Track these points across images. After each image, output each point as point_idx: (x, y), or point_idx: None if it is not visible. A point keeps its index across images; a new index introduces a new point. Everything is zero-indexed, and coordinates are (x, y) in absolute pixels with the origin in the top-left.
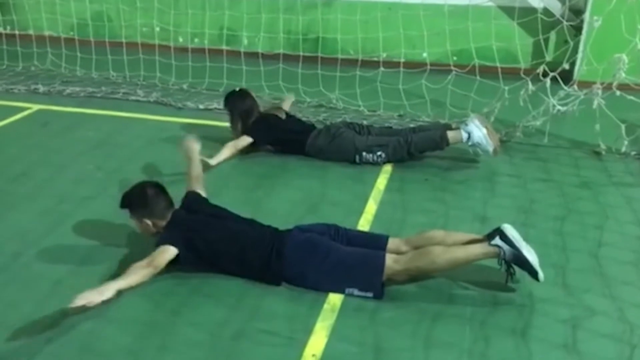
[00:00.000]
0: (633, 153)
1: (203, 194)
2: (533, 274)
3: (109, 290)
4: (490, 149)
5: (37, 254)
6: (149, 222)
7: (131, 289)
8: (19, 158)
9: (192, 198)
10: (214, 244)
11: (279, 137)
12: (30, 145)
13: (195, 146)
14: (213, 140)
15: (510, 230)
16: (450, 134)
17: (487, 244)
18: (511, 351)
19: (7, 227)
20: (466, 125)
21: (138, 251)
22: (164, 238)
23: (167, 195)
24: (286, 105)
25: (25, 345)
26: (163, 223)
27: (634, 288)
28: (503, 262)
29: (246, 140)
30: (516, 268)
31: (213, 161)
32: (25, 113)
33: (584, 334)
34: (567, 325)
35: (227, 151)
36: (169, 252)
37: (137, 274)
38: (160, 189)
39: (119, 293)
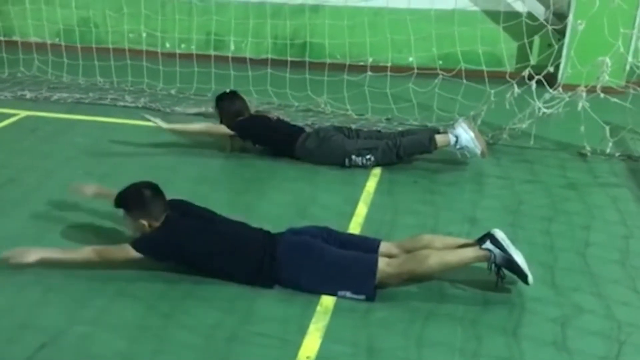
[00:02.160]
0: (617, 154)
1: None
2: (523, 277)
3: (38, 254)
4: (478, 151)
5: None
6: (144, 222)
7: (122, 291)
8: (8, 164)
9: (178, 201)
10: (207, 248)
11: (267, 135)
12: (19, 151)
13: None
14: (200, 144)
15: (500, 235)
16: (438, 138)
17: (478, 248)
18: (502, 349)
19: None
20: (454, 128)
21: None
22: (142, 241)
23: (164, 197)
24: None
25: (19, 350)
26: (157, 224)
27: (621, 286)
28: (493, 265)
29: (224, 129)
30: (506, 271)
31: (165, 125)
32: (13, 119)
33: (573, 331)
34: (557, 324)
35: (196, 125)
36: (130, 254)
37: (81, 253)
38: (157, 190)
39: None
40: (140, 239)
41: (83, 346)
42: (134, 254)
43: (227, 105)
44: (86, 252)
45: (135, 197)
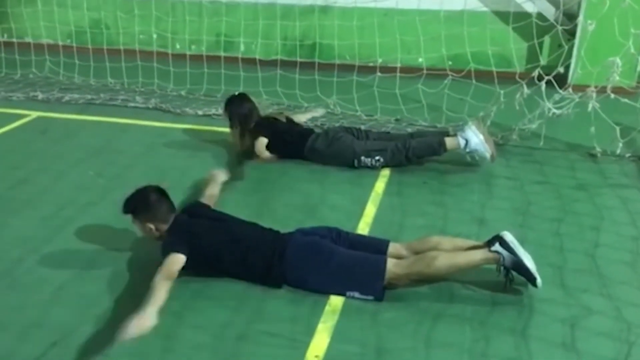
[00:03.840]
0: (628, 155)
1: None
2: (531, 280)
3: (151, 314)
4: (488, 154)
5: (39, 259)
6: (151, 225)
7: (132, 290)
8: (19, 165)
9: (195, 204)
10: (217, 247)
11: (278, 138)
12: (30, 152)
13: (221, 175)
14: (212, 145)
15: (509, 237)
16: (448, 141)
17: (487, 250)
18: (511, 350)
19: (9, 233)
20: (463, 131)
21: (140, 256)
22: (169, 245)
23: (169, 199)
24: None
25: (30, 349)
26: (165, 227)
27: (631, 287)
28: (502, 268)
29: (263, 141)
30: (515, 274)
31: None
32: (24, 120)
33: (583, 332)
34: (566, 325)
35: (266, 154)
36: (179, 260)
37: (162, 289)
38: (162, 193)
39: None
40: (164, 246)
41: (93, 345)
42: (180, 257)
43: (237, 107)
44: (164, 285)
45: (140, 201)
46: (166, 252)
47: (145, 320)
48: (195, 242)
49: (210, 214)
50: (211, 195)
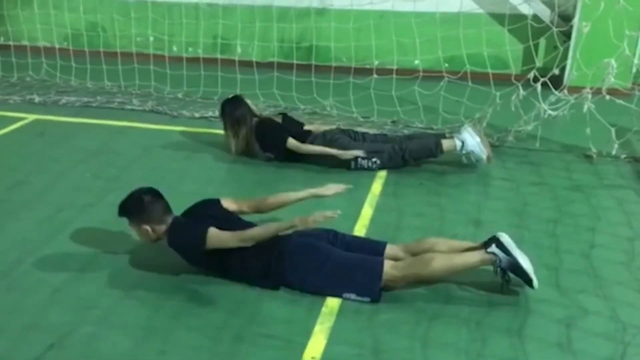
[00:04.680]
0: (623, 156)
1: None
2: (528, 281)
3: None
4: (484, 156)
5: (37, 261)
6: (147, 227)
7: (129, 292)
8: (17, 167)
9: (206, 202)
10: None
11: (274, 138)
12: (28, 155)
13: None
14: (209, 147)
15: (505, 238)
16: (444, 143)
17: (483, 252)
18: (507, 350)
19: (7, 235)
20: (460, 133)
21: (138, 258)
22: (187, 234)
23: (164, 200)
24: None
25: (27, 351)
26: (163, 228)
27: (626, 288)
28: (499, 269)
29: (292, 141)
30: (511, 275)
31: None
32: (22, 123)
33: (578, 333)
34: (562, 325)
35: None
36: (214, 231)
37: (250, 233)
38: (156, 194)
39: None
40: (173, 240)
41: (90, 347)
42: (210, 230)
43: (232, 110)
44: (243, 235)
45: (134, 204)
46: (191, 239)
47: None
48: (193, 241)
49: (209, 212)
50: (273, 203)
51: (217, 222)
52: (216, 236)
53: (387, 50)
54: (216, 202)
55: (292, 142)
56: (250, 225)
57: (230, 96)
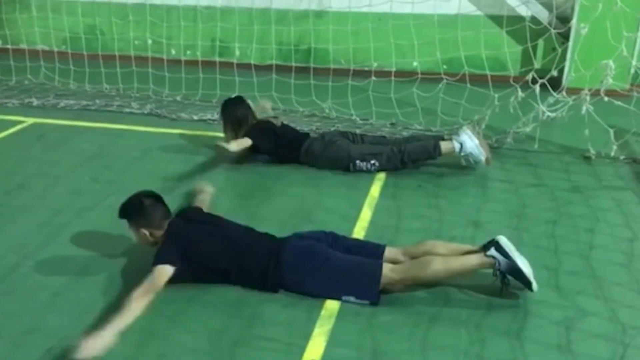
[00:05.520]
0: (622, 157)
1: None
2: (527, 284)
3: (109, 336)
4: (483, 158)
5: (35, 265)
6: (146, 232)
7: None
8: (15, 171)
9: (188, 208)
10: (213, 254)
11: (274, 142)
12: (26, 158)
13: (209, 187)
14: (208, 150)
15: (504, 241)
16: (443, 145)
17: (482, 255)
18: (506, 352)
19: (5, 239)
20: (458, 135)
21: (136, 261)
22: (160, 256)
23: (164, 205)
24: (267, 107)
25: (26, 354)
26: (160, 232)
27: (625, 289)
28: (498, 272)
29: (247, 141)
30: (510, 278)
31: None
32: (20, 126)
33: (578, 334)
34: (561, 327)
35: (234, 144)
36: (166, 272)
37: (138, 305)
38: (157, 198)
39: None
40: (155, 254)
41: None
42: (167, 269)
43: (232, 110)
44: (142, 300)
45: (134, 207)
46: (156, 262)
47: (100, 341)
48: (192, 249)
49: (205, 218)
50: (203, 201)
51: (210, 228)
52: (156, 276)
53: (386, 53)
54: (196, 208)
55: (242, 140)
56: (236, 228)
57: (232, 96)
